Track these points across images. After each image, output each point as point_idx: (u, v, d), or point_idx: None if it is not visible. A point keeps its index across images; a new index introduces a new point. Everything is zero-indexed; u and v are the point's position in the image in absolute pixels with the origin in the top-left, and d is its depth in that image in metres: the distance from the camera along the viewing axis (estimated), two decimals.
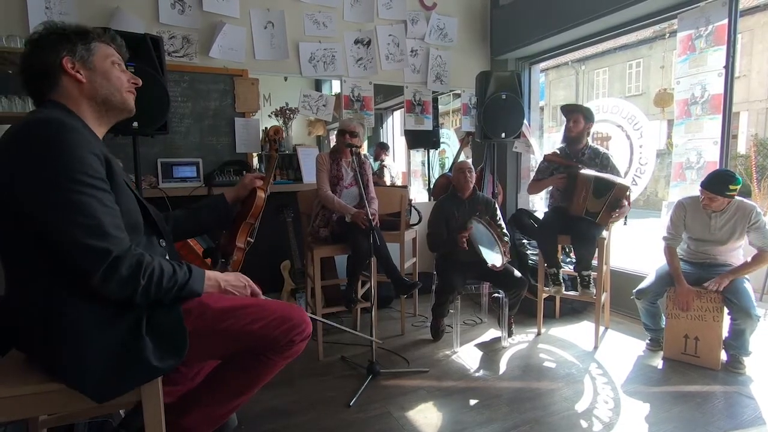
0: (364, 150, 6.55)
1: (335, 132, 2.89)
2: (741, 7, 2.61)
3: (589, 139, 2.95)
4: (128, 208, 1.12)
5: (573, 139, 2.87)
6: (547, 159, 2.99)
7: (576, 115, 2.85)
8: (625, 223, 2.80)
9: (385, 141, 6.01)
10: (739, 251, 2.42)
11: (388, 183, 4.97)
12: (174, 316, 1.13)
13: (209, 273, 1.24)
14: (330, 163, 2.75)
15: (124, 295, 1.04)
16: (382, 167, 5.05)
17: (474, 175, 2.83)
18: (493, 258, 2.56)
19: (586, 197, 2.66)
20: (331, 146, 3.00)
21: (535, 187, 3.03)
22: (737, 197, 2.31)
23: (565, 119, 2.95)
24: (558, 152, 2.97)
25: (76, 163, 0.99)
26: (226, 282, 1.28)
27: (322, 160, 2.74)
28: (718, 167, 2.64)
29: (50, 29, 1.15)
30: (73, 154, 0.99)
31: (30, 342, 1.09)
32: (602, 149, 2.90)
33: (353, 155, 2.61)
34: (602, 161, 2.83)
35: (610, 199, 2.54)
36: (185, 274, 1.15)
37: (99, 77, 1.16)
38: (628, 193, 2.64)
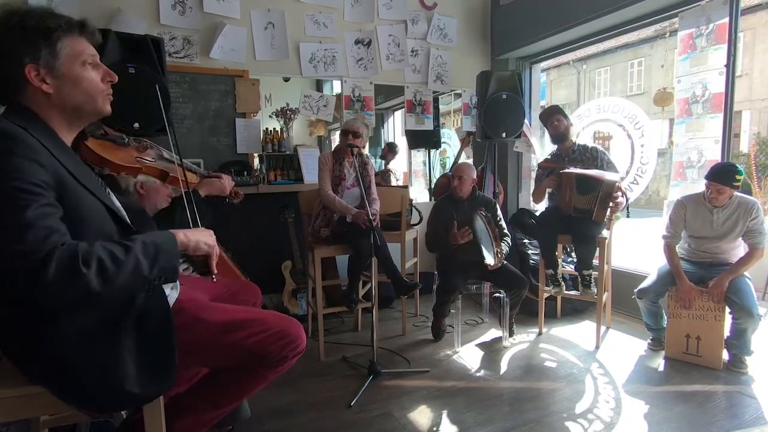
0: (366, 150, 6.55)
1: (337, 132, 2.89)
2: (742, 5, 2.61)
3: (576, 138, 3.01)
4: (89, 216, 1.02)
5: (561, 135, 2.91)
6: (540, 166, 3.07)
7: (556, 116, 2.92)
8: (627, 216, 2.81)
9: (393, 141, 5.93)
10: (740, 249, 2.42)
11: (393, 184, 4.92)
12: (165, 341, 1.08)
13: (179, 234, 1.11)
14: (333, 163, 2.75)
15: (75, 295, 0.90)
16: (387, 171, 5.00)
17: (467, 178, 2.81)
18: (489, 257, 2.56)
19: (571, 195, 2.70)
20: (333, 146, 3.00)
21: (536, 195, 3.09)
22: (737, 193, 2.32)
23: (545, 127, 3.03)
24: (549, 157, 3.05)
25: (9, 170, 0.89)
26: (196, 245, 1.15)
27: (325, 160, 2.74)
28: None
29: (7, 24, 0.99)
30: (7, 162, 0.90)
31: (15, 359, 1.05)
32: (591, 144, 2.95)
33: (354, 156, 2.62)
34: (592, 154, 2.87)
35: (601, 196, 2.54)
36: (146, 246, 0.99)
37: (68, 86, 1.03)
38: (617, 185, 2.63)
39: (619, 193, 2.63)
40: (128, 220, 1.16)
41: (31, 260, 0.86)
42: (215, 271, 1.21)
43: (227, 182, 1.61)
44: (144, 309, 1.10)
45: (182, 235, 1.11)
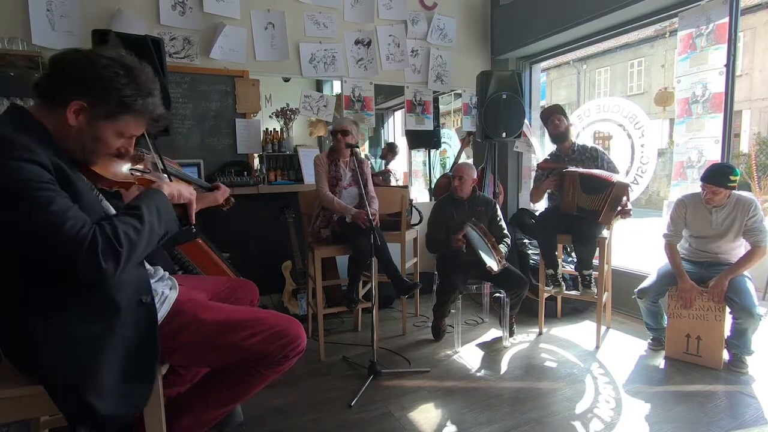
0: (365, 150, 6.56)
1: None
2: (742, 5, 2.60)
3: (575, 138, 3.01)
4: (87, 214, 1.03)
5: (561, 135, 2.91)
6: (540, 166, 3.06)
7: (556, 115, 2.91)
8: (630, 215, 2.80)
9: (393, 142, 5.95)
10: (741, 249, 2.41)
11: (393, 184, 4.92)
12: (146, 362, 1.09)
13: (164, 187, 1.18)
14: (328, 164, 2.74)
15: (119, 270, 0.96)
16: (387, 171, 5.01)
17: (467, 178, 2.81)
18: (490, 261, 2.56)
19: (574, 194, 2.69)
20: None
21: (534, 195, 3.08)
22: (735, 192, 2.32)
23: (545, 126, 3.02)
24: (549, 157, 3.04)
25: (12, 172, 0.90)
26: (179, 193, 1.22)
27: (320, 162, 2.74)
28: None
29: (112, 71, 1.03)
30: (6, 166, 0.90)
31: (12, 358, 1.07)
32: (590, 144, 2.95)
33: (350, 155, 2.62)
34: (592, 154, 2.87)
35: (611, 197, 2.54)
36: (150, 209, 1.06)
37: (89, 136, 1.05)
38: (627, 188, 2.64)
39: (625, 198, 2.61)
40: None
41: (76, 254, 0.91)
42: (194, 221, 1.27)
43: (221, 195, 1.61)
44: (131, 326, 1.09)
45: (166, 187, 1.18)
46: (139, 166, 1.31)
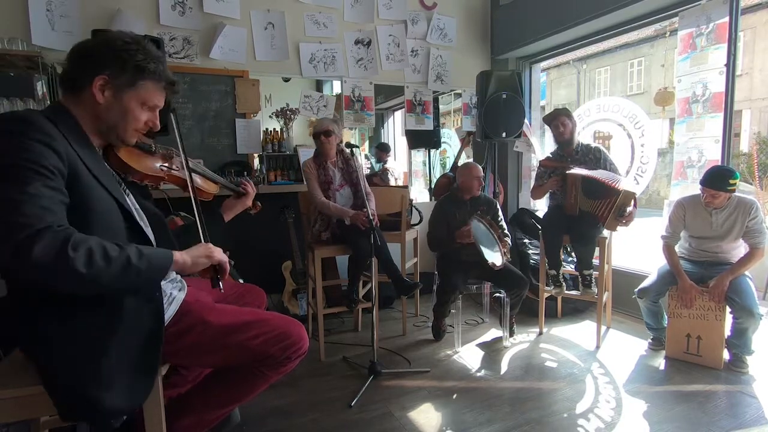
0: (365, 150, 6.56)
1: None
2: (742, 4, 2.60)
3: (579, 138, 2.98)
4: (98, 209, 1.03)
5: (567, 141, 2.85)
6: (542, 164, 3.02)
7: (561, 119, 2.84)
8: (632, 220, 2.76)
9: (386, 141, 6.00)
10: (741, 249, 2.41)
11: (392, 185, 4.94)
12: (149, 359, 1.09)
13: (176, 255, 1.10)
14: (316, 168, 2.73)
15: (55, 278, 0.89)
16: (384, 170, 5.03)
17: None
18: (493, 257, 2.55)
19: (577, 196, 2.68)
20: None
21: (536, 193, 3.04)
22: (736, 193, 2.31)
23: (549, 128, 2.96)
24: (551, 156, 3.00)
25: (16, 149, 0.91)
26: (195, 261, 1.15)
27: (309, 168, 2.72)
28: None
29: (121, 43, 1.09)
30: (15, 142, 0.92)
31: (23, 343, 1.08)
32: (593, 144, 2.90)
33: (339, 154, 2.60)
34: (595, 155, 2.83)
35: (617, 206, 2.46)
36: (141, 254, 1.00)
37: (117, 110, 1.11)
38: (635, 196, 2.59)
39: (630, 207, 2.57)
40: (143, 221, 1.19)
41: (21, 234, 0.85)
42: (221, 286, 1.21)
43: (249, 199, 1.61)
44: (136, 323, 1.09)
45: (179, 255, 1.11)
46: (168, 164, 1.36)
